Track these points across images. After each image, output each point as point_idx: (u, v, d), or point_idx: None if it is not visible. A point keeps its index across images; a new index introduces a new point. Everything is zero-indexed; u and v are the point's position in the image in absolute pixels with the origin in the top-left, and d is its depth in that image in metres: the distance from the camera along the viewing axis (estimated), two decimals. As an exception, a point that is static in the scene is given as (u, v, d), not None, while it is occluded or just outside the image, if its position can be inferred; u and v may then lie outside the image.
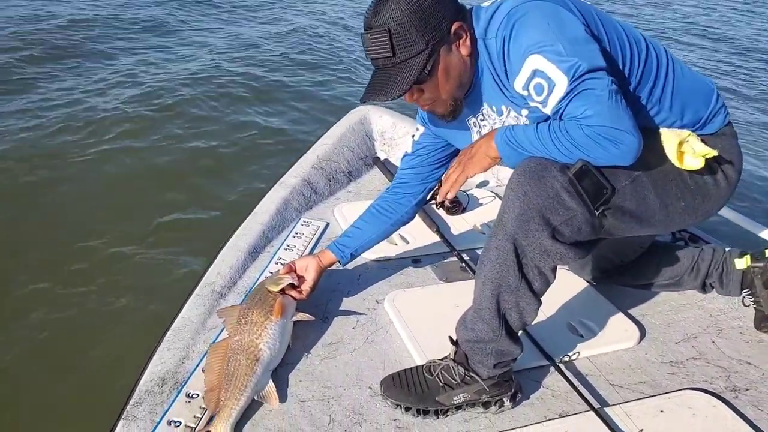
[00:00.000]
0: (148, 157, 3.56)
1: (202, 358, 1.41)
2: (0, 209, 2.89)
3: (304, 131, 4.21)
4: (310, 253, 1.92)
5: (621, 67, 1.25)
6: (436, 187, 1.67)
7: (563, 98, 1.14)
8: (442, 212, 2.23)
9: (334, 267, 1.67)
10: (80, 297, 2.37)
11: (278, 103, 4.69)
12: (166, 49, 5.61)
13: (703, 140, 1.30)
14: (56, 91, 4.36)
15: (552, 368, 1.47)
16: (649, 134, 1.26)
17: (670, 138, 1.26)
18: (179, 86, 4.63)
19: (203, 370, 1.37)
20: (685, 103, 1.31)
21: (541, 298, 1.27)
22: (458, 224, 2.16)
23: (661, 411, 1.37)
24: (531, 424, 1.31)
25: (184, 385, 1.33)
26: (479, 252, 2.00)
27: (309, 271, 1.60)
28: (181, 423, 1.23)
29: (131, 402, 1.26)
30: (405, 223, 1.69)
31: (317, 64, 5.69)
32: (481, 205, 2.32)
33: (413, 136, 1.65)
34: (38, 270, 2.49)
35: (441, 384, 1.30)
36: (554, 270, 1.24)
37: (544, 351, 1.50)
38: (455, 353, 1.31)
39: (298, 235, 2.01)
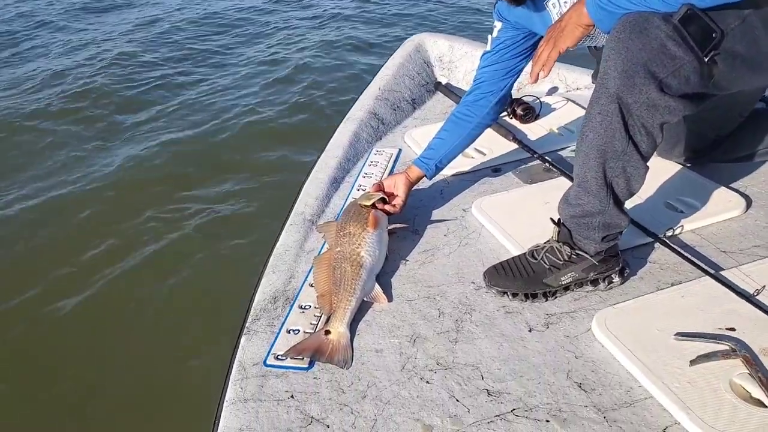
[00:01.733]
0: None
1: (308, 274, 1.47)
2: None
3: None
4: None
5: None
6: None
7: None
8: (515, 121, 2.18)
9: (419, 184, 1.69)
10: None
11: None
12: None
13: None
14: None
15: (657, 243, 1.43)
16: None
17: None
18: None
19: (311, 285, 1.43)
20: None
21: (648, 163, 1.22)
22: (534, 130, 2.11)
23: (782, 268, 1.31)
24: (643, 295, 1.29)
25: (296, 299, 1.40)
26: (561, 153, 1.96)
27: (398, 186, 1.63)
28: (299, 330, 1.30)
29: (249, 319, 1.34)
30: (487, 124, 1.66)
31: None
32: (554, 110, 2.25)
33: (490, 35, 1.60)
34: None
35: (547, 266, 1.29)
36: (662, 127, 1.16)
37: (645, 228, 1.46)
38: (558, 233, 1.29)
39: (374, 163, 2.03)
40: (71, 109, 4.19)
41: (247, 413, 1.10)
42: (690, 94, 1.14)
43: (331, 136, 2.14)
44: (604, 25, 1.18)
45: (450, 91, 2.49)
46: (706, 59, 1.10)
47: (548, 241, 1.32)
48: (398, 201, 1.61)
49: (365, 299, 1.36)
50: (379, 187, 1.64)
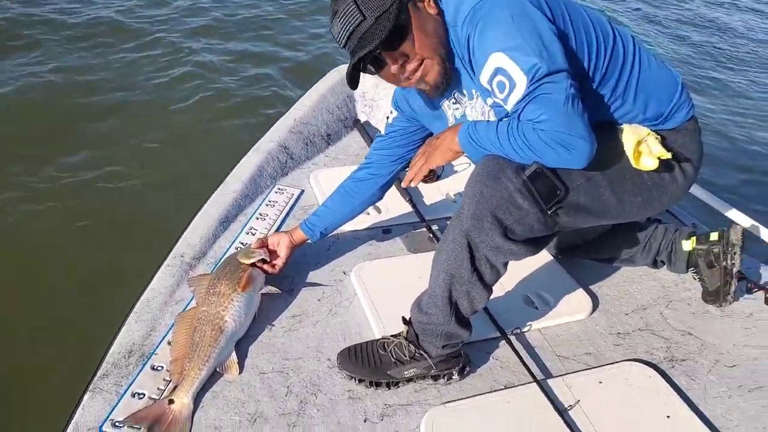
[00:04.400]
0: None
1: (168, 330, 1.49)
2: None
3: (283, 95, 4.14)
4: (282, 222, 1.98)
5: (586, 63, 1.27)
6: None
7: (521, 99, 1.17)
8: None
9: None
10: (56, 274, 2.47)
11: (255, 65, 4.52)
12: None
13: (663, 136, 1.33)
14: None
15: (502, 341, 1.55)
16: (609, 130, 1.30)
17: (629, 136, 1.29)
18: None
19: (169, 342, 1.45)
20: (648, 97, 1.33)
21: (492, 288, 1.34)
22: (431, 193, 2.20)
23: (600, 382, 1.46)
24: (477, 395, 1.41)
25: (150, 357, 1.42)
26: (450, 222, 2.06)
27: (281, 247, 1.67)
28: (144, 395, 1.32)
29: (98, 374, 1.35)
30: (373, 203, 1.75)
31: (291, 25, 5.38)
32: (456, 172, 2.35)
33: (387, 118, 1.68)
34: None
35: (393, 359, 1.38)
36: (506, 264, 1.31)
37: (497, 323, 1.58)
38: (407, 332, 1.39)
39: (272, 203, 2.05)
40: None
41: (69, 486, 1.12)
42: (534, 239, 1.27)
43: (234, 166, 2.14)
44: (470, 156, 1.30)
45: (366, 132, 2.53)
46: (549, 212, 1.22)
47: (398, 335, 1.41)
48: (279, 262, 1.65)
49: (217, 369, 1.40)
50: (262, 243, 1.67)
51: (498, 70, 1.17)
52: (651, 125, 1.38)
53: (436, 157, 1.36)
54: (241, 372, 1.40)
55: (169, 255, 1.73)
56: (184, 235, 1.80)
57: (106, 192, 2.99)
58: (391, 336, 1.41)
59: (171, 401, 1.30)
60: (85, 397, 1.30)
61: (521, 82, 1.15)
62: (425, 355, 1.37)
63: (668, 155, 1.30)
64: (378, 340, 1.43)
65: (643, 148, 1.31)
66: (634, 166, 1.30)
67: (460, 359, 1.42)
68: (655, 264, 1.78)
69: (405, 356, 1.37)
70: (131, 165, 3.18)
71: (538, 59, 1.14)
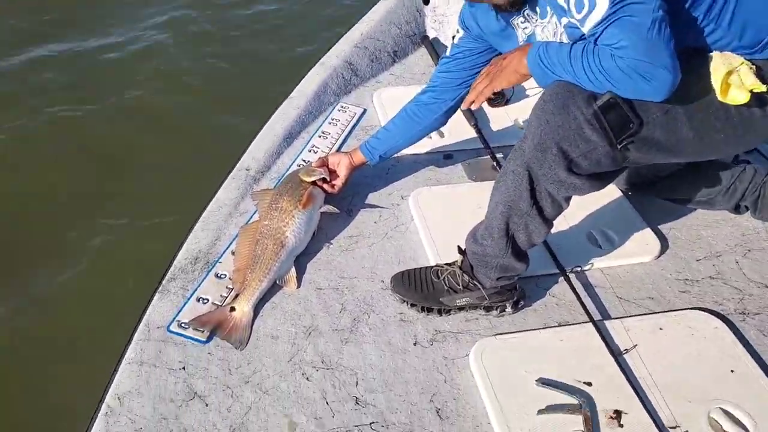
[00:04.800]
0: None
1: (232, 241, 1.55)
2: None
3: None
4: (344, 141, 1.95)
5: None
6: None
7: (601, 22, 1.06)
8: (484, 104, 2.16)
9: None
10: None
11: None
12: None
13: (758, 66, 1.17)
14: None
15: (561, 278, 1.51)
16: (697, 57, 1.16)
17: (718, 66, 1.14)
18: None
19: (233, 252, 1.51)
20: (746, 22, 1.16)
21: (553, 222, 1.28)
22: (499, 118, 2.10)
23: (660, 328, 1.41)
24: (528, 330, 1.40)
25: (215, 265, 1.48)
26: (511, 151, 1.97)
27: (341, 167, 1.66)
28: (208, 300, 1.39)
29: (167, 277, 1.43)
30: (436, 128, 1.68)
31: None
32: (527, 96, 2.22)
33: (453, 38, 1.57)
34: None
35: (446, 287, 1.38)
36: (568, 199, 1.24)
37: (557, 259, 1.53)
38: (462, 262, 1.37)
39: (334, 121, 2.03)
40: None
41: (139, 376, 1.23)
42: (599, 173, 1.19)
43: (300, 81, 2.11)
44: (539, 80, 1.21)
45: (434, 49, 2.41)
46: (619, 147, 1.13)
47: (453, 263, 1.40)
48: (338, 182, 1.65)
49: (277, 281, 1.45)
50: (323, 162, 1.67)
51: None
52: (745, 53, 1.21)
53: (501, 79, 1.27)
54: (299, 286, 1.45)
55: (234, 168, 1.76)
56: (249, 149, 1.82)
57: (176, 105, 3.07)
58: (446, 264, 1.40)
59: (233, 309, 1.36)
60: (155, 297, 1.39)
61: (602, 2, 1.04)
62: (479, 285, 1.36)
63: (763, 88, 1.15)
64: (432, 267, 1.43)
65: (733, 79, 1.16)
66: (720, 99, 1.17)
67: (515, 292, 1.40)
68: (737, 209, 1.65)
69: (458, 285, 1.37)
70: (199, 79, 3.20)
71: None
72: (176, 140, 2.89)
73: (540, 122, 1.15)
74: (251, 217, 1.63)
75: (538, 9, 1.24)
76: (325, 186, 1.64)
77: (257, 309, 1.39)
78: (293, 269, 1.48)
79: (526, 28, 1.32)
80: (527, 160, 1.18)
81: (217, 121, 2.98)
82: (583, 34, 1.12)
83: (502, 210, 1.25)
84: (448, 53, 1.59)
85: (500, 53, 1.48)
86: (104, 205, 2.57)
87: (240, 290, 1.40)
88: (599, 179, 1.21)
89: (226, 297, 1.41)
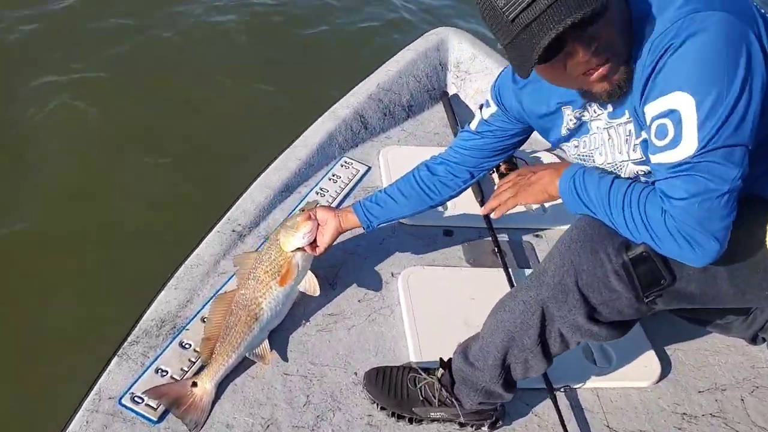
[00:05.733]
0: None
1: (204, 305, 1.45)
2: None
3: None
4: (342, 201, 1.86)
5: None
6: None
7: (674, 166, 0.93)
8: (495, 176, 2.06)
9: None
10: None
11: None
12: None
13: None
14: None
15: (548, 396, 1.40)
16: (755, 207, 1.04)
17: None
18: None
19: (203, 320, 1.41)
20: None
21: (554, 360, 1.19)
22: (507, 195, 2.00)
23: (648, 473, 1.29)
24: (504, 454, 1.29)
25: (180, 331, 1.38)
26: (523, 236, 1.86)
27: (327, 229, 1.48)
28: (167, 372, 1.30)
29: (128, 340, 1.34)
30: (444, 203, 1.55)
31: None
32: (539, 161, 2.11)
33: (480, 109, 1.41)
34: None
35: (421, 398, 1.27)
36: (579, 342, 1.14)
37: (546, 374, 1.42)
38: (442, 376, 1.26)
39: (334, 178, 1.94)
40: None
41: (77, 457, 1.13)
42: (620, 322, 1.09)
43: (304, 131, 2.03)
44: (568, 206, 1.11)
45: (452, 108, 2.32)
46: (646, 300, 1.03)
47: (432, 372, 1.29)
48: (321, 247, 1.49)
49: (248, 355, 1.35)
50: (310, 216, 1.48)
51: (671, 114, 0.91)
52: None
53: (527, 195, 1.18)
54: (267, 364, 1.35)
55: (220, 220, 1.67)
56: (239, 201, 1.74)
57: (165, 146, 2.77)
58: (424, 372, 1.29)
59: (194, 384, 1.27)
60: (113, 361, 1.30)
61: (688, 146, 0.90)
62: (456, 404, 1.25)
63: None
64: (409, 371, 1.32)
65: None
66: None
67: (495, 413, 1.29)
68: (754, 340, 1.53)
69: (434, 398, 1.26)
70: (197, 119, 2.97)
71: (723, 126, 0.89)
72: (159, 174, 2.59)
73: (564, 261, 1.06)
74: (229, 279, 1.53)
75: (609, 106, 1.09)
76: (306, 248, 1.49)
77: (220, 388, 1.29)
78: (266, 343, 1.38)
79: (576, 119, 1.17)
80: (544, 298, 1.09)
81: (208, 165, 2.70)
82: (647, 161, 1.01)
83: (502, 339, 1.15)
84: (473, 127, 1.41)
85: (524, 139, 1.38)
86: (73, 245, 2.27)
87: (205, 362, 1.30)
88: (619, 328, 1.12)
89: (187, 371, 1.31)
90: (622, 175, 1.10)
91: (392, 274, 1.65)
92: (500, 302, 1.19)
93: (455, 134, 2.19)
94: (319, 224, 1.49)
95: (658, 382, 1.50)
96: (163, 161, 2.67)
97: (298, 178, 1.88)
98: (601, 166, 1.15)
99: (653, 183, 0.99)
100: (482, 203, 1.88)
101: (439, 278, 1.65)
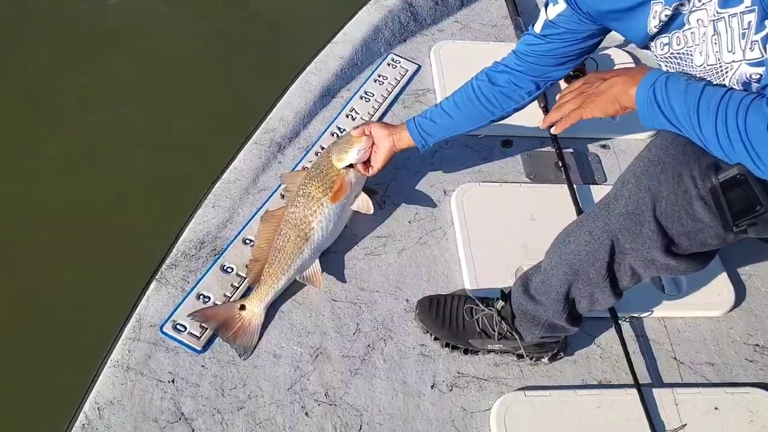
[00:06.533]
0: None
1: (244, 226, 1.36)
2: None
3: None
4: (389, 108, 1.69)
5: None
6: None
7: None
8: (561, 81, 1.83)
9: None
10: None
11: None
12: None
13: None
14: None
15: (613, 325, 1.31)
16: None
17: None
18: None
19: (244, 241, 1.33)
20: None
21: (623, 293, 1.07)
22: (572, 99, 1.79)
23: (716, 408, 1.22)
24: (562, 387, 1.23)
25: (221, 254, 1.31)
26: (589, 147, 1.68)
27: (381, 149, 1.36)
28: (210, 299, 1.24)
29: (167, 262, 1.27)
30: (507, 117, 1.36)
31: None
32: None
33: (546, 7, 1.19)
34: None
35: (478, 329, 1.19)
36: (653, 276, 1.01)
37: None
38: (502, 308, 1.17)
39: (381, 79, 1.74)
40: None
41: (123, 384, 1.11)
42: (701, 254, 0.95)
43: (345, 24, 1.80)
44: (645, 120, 0.94)
45: (512, -3, 2.03)
46: (735, 230, 0.88)
47: (491, 302, 1.20)
48: (375, 168, 1.38)
49: (297, 278, 1.28)
50: (364, 132, 1.36)
51: None
52: None
53: (595, 106, 1.01)
54: (319, 287, 1.28)
55: (257, 130, 1.53)
56: (275, 108, 1.58)
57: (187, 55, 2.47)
58: (481, 303, 1.20)
59: (243, 307, 1.22)
60: (151, 286, 1.24)
61: None
62: (517, 337, 1.17)
63: None
64: (465, 300, 1.23)
65: None
66: None
67: (557, 345, 1.22)
68: None
69: (493, 331, 1.18)
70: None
71: None
72: (186, 93, 2.29)
73: (640, 187, 0.91)
74: (271, 196, 1.43)
75: None
76: (359, 167, 1.38)
77: (267, 314, 1.24)
78: (317, 264, 1.30)
79: (673, 11, 0.94)
80: (614, 229, 0.95)
81: (237, 70, 2.41)
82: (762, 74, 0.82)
83: (566, 271, 1.03)
84: (537, 29, 1.21)
85: (598, 42, 1.16)
86: (94, 172, 2.04)
87: (253, 284, 1.25)
88: (699, 260, 0.99)
89: (231, 297, 1.25)
90: (726, 81, 0.90)
91: (445, 192, 1.51)
92: (564, 232, 1.06)
93: (516, 26, 1.93)
94: (373, 143, 1.36)
95: (730, 311, 1.39)
96: (191, 68, 2.43)
97: (340, 80, 1.70)
98: (699, 67, 0.94)
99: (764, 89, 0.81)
100: (546, 109, 1.68)
101: (497, 196, 1.51)
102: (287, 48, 2.42)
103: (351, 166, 1.37)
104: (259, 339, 1.21)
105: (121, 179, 2.03)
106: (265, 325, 1.23)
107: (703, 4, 0.90)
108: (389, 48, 1.83)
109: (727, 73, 0.90)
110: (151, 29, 2.56)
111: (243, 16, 2.65)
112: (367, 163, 1.38)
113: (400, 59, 1.81)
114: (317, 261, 1.30)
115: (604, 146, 1.69)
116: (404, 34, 1.88)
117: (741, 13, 0.84)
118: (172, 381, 1.13)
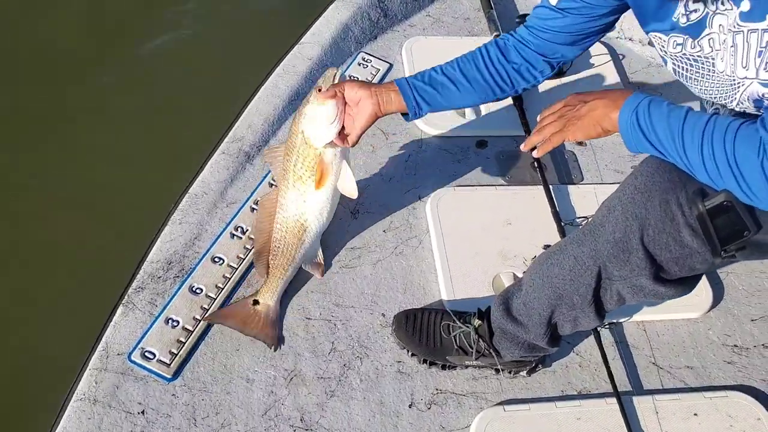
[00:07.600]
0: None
1: (213, 243, 1.32)
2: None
3: None
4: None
5: None
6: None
7: None
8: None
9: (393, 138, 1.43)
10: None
11: None
12: None
13: None
14: None
15: (591, 332, 1.30)
16: None
17: None
18: None
19: (212, 259, 1.29)
20: None
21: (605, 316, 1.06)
22: (550, 96, 1.74)
23: (695, 414, 1.22)
24: (542, 399, 1.21)
25: (190, 274, 1.26)
26: (566, 144, 1.65)
27: (362, 110, 1.13)
28: (178, 323, 1.20)
29: (133, 285, 1.23)
30: (508, 96, 1.24)
31: None
32: (591, 66, 1.83)
33: None
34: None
35: (455, 346, 1.17)
36: (639, 301, 0.99)
37: (590, 310, 1.31)
38: (479, 326, 1.14)
39: (352, 79, 1.68)
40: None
41: (91, 418, 1.07)
42: (689, 277, 0.94)
43: (312, 23, 1.74)
44: (629, 145, 0.91)
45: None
46: (724, 255, 0.86)
47: (469, 319, 1.17)
48: (352, 138, 1.17)
49: (303, 267, 1.28)
50: (335, 94, 1.14)
51: None
52: None
53: (576, 129, 0.97)
54: (283, 316, 1.25)
55: (224, 138, 1.47)
56: (243, 114, 1.52)
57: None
58: (459, 320, 1.18)
59: (256, 302, 1.21)
60: (118, 311, 1.20)
61: None
62: (495, 355, 1.15)
63: None
64: (442, 316, 1.20)
65: None
66: None
67: (535, 360, 1.20)
68: None
69: (471, 349, 1.16)
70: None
71: None
72: (151, 104, 2.15)
73: (627, 215, 0.89)
74: (240, 209, 1.38)
75: (747, 1, 0.79)
76: (336, 140, 1.17)
77: (238, 339, 1.20)
78: (320, 251, 1.30)
79: (695, 11, 0.88)
80: (602, 256, 0.93)
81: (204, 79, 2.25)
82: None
83: (549, 295, 1.01)
84: (553, 2, 1.08)
85: (616, 20, 1.08)
86: (57, 187, 1.92)
87: (264, 275, 1.25)
88: (688, 284, 0.98)
89: (200, 320, 1.21)
90: (737, 96, 0.86)
91: (420, 197, 1.48)
92: (546, 254, 1.04)
93: (489, 18, 1.87)
94: (347, 104, 1.16)
95: (708, 311, 1.39)
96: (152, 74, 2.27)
97: (309, 81, 1.64)
98: (720, 74, 0.87)
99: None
100: (520, 107, 1.65)
101: (472, 201, 1.48)
102: (248, 53, 2.26)
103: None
104: (281, 329, 1.21)
105: (86, 192, 1.92)
106: (235, 352, 1.19)
107: (725, 9, 0.84)
108: (359, 47, 1.78)
109: (738, 88, 0.86)
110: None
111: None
112: (342, 133, 1.17)
113: (372, 58, 1.75)
114: (320, 250, 1.30)
115: (580, 143, 1.66)
116: (375, 31, 1.82)
117: (762, 30, 0.79)
118: (142, 412, 1.09)
